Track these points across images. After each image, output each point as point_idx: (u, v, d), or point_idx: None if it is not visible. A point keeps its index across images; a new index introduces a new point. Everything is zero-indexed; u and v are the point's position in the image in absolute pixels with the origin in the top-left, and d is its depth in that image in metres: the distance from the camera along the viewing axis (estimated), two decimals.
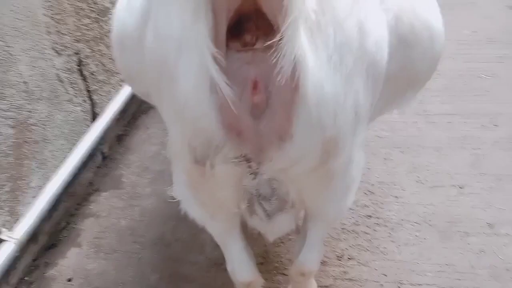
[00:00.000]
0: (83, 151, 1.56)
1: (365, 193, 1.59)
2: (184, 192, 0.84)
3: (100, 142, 1.77)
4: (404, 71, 0.87)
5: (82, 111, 1.62)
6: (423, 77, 0.96)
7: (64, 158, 1.50)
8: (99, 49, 1.69)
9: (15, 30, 1.25)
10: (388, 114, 1.37)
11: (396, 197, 1.57)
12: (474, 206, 1.51)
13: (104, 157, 1.80)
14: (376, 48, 0.69)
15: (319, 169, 0.71)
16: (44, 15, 1.37)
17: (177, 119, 0.67)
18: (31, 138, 1.35)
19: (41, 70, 1.37)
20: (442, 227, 1.45)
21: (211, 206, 0.83)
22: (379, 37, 0.70)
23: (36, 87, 1.35)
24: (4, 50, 1.21)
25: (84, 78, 1.62)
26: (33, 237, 1.40)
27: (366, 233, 1.46)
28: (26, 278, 1.38)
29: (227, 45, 0.58)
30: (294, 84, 0.58)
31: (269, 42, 0.56)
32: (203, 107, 0.60)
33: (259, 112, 0.60)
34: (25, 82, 1.30)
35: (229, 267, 1.01)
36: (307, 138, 0.64)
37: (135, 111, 2.03)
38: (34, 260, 1.42)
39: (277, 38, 0.55)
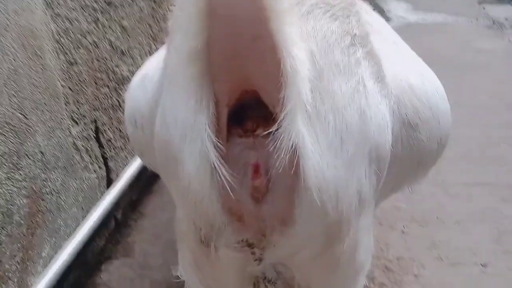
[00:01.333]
0: (96, 219, 1.55)
1: (383, 271, 1.53)
2: (189, 274, 0.82)
3: (113, 208, 1.76)
4: (412, 153, 0.87)
5: (97, 178, 1.62)
6: (432, 156, 0.96)
7: (77, 226, 1.49)
8: (116, 116, 1.72)
9: (34, 103, 1.28)
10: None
11: (415, 275, 1.50)
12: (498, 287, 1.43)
13: (117, 223, 1.79)
14: (379, 133, 0.70)
15: (324, 255, 0.70)
16: (63, 86, 1.41)
17: (182, 199, 0.68)
18: (44, 207, 1.35)
19: (57, 139, 1.39)
20: None
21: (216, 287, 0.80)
22: (381, 121, 0.71)
23: (52, 156, 1.36)
24: (22, 122, 1.23)
25: (100, 145, 1.64)
26: None
27: None
28: None
29: (229, 131, 0.60)
30: (293, 171, 0.58)
31: (268, 131, 0.57)
32: (205, 191, 0.61)
33: (260, 196, 0.61)
34: (41, 152, 1.32)
35: None
36: (310, 223, 0.63)
37: (150, 176, 2.03)
38: None
39: (275, 127, 0.56)
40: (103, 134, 1.65)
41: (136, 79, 1.04)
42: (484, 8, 3.91)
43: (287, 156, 0.57)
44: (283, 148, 0.56)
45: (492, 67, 2.85)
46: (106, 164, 1.69)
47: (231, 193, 0.59)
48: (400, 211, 1.77)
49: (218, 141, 0.58)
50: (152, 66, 0.99)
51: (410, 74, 0.90)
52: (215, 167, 0.59)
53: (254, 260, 0.71)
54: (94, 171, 1.61)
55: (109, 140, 1.69)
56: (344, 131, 0.63)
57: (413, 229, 1.68)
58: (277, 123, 0.56)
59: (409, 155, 0.89)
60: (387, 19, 3.92)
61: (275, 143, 0.56)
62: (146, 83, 0.96)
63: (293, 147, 0.57)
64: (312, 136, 0.60)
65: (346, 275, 0.78)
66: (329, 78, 0.63)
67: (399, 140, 0.84)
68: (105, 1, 1.60)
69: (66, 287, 1.48)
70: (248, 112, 0.62)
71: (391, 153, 0.82)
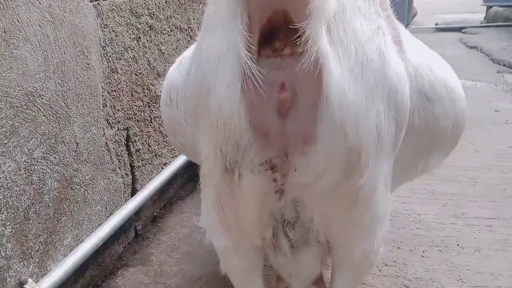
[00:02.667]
0: (117, 223, 1.58)
1: None
2: (210, 217, 0.84)
3: (135, 218, 1.81)
4: (427, 126, 0.91)
5: (123, 183, 1.69)
6: (447, 135, 0.99)
7: (99, 224, 1.53)
8: (147, 131, 1.83)
9: (76, 95, 1.39)
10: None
11: None
12: None
13: (137, 235, 1.82)
14: (396, 80, 0.74)
15: (342, 186, 0.72)
16: (103, 89, 1.53)
17: (211, 129, 0.71)
18: (72, 196, 1.41)
19: (92, 135, 1.48)
20: None
21: (236, 230, 0.82)
22: (399, 71, 0.76)
23: (85, 149, 1.45)
24: (63, 110, 1.34)
25: (129, 154, 1.73)
26: None
27: None
28: None
29: (258, 52, 0.65)
30: (317, 87, 0.63)
31: (295, 50, 0.63)
32: (234, 107, 0.65)
33: (285, 110, 0.64)
34: (76, 143, 1.41)
35: None
36: (330, 143, 0.66)
37: (172, 196, 2.08)
38: None
39: (302, 47, 0.61)
40: (133, 144, 1.74)
41: (174, 65, 1.14)
42: (503, 76, 4.03)
43: (312, 73, 0.62)
44: (309, 64, 0.61)
45: (510, 123, 2.90)
46: (132, 172, 1.76)
47: (258, 109, 0.64)
48: (420, 238, 1.75)
49: (249, 60, 0.63)
50: (189, 51, 1.09)
51: (428, 56, 0.98)
52: (245, 85, 0.64)
53: (275, 192, 0.74)
54: (121, 176, 1.68)
55: (138, 151, 1.78)
56: (365, 62, 0.68)
57: (433, 253, 1.66)
58: (303, 42, 0.61)
59: (425, 128, 0.94)
60: None
61: (301, 61, 0.62)
62: (182, 63, 1.05)
63: (318, 64, 0.62)
64: (335, 57, 0.65)
65: (363, 220, 0.79)
66: (352, 15, 0.69)
67: (416, 111, 0.89)
68: (147, 24, 1.77)
69: (82, 283, 1.49)
70: (276, 34, 0.66)
71: (409, 124, 0.87)
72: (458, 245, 1.70)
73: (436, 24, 6.73)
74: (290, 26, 0.63)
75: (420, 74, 0.90)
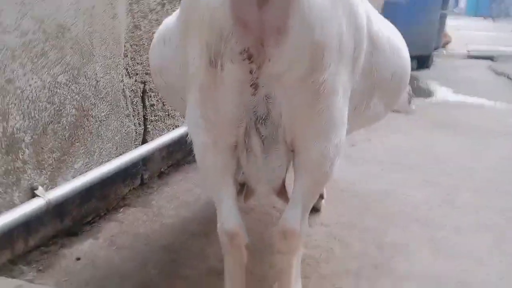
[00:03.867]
0: (125, 163, 1.74)
1: (376, 248, 1.58)
2: (194, 115, 0.99)
3: (143, 168, 1.97)
4: (371, 71, 1.07)
5: (135, 131, 1.86)
6: (386, 86, 1.17)
7: (109, 160, 1.70)
8: None
9: (101, 38, 1.58)
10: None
11: (407, 256, 1.54)
12: (490, 274, 1.44)
13: (143, 183, 1.98)
14: (356, 4, 0.91)
15: (308, 80, 0.85)
16: (125, 40, 1.72)
17: (199, 26, 0.86)
18: (87, 126, 1.58)
19: (111, 78, 1.66)
20: (451, 287, 1.39)
21: (215, 125, 0.95)
22: (359, 5, 0.92)
23: (103, 88, 1.63)
24: (88, 48, 1.53)
25: (144, 106, 1.90)
26: (61, 213, 1.54)
27: (369, 278, 1.43)
28: (41, 247, 1.48)
29: None
30: None
31: None
32: (219, 1, 0.79)
33: (263, 3, 0.76)
34: (96, 80, 1.59)
35: (218, 224, 1.08)
36: (300, 35, 0.80)
37: (181, 159, 2.24)
38: (54, 236, 1.53)
39: None
40: (148, 98, 1.92)
41: (169, 16, 1.30)
42: None
43: None
44: None
45: None
46: (145, 124, 1.93)
47: (240, 1, 0.77)
48: (405, 214, 1.83)
49: None
50: None
51: (381, 20, 1.15)
52: None
53: (251, 86, 0.87)
54: (134, 125, 1.85)
55: (152, 106, 1.95)
56: None
57: (414, 227, 1.74)
58: None
59: (369, 72, 1.10)
60: (429, 95, 4.16)
61: None
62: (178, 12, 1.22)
63: None
64: None
65: (321, 119, 0.91)
66: None
67: (365, 54, 1.04)
68: None
69: (86, 209, 1.65)
70: None
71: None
72: (440, 223, 1.77)
73: (468, 51, 6.76)
74: None
75: (371, 19, 1.05)
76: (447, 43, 7.43)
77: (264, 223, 1.72)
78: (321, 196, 1.83)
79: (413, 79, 4.78)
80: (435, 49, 5.92)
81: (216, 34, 0.82)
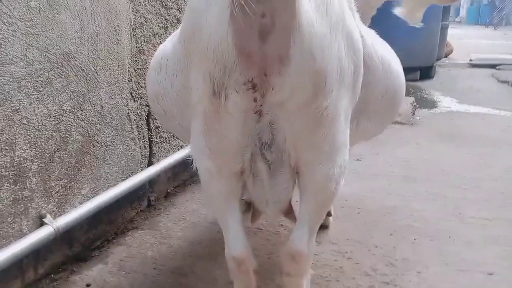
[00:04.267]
0: (132, 186, 1.75)
1: (386, 265, 1.57)
2: (198, 143, 0.99)
3: (149, 190, 1.98)
4: (365, 90, 1.07)
5: (141, 154, 1.87)
6: (377, 104, 1.17)
7: (115, 184, 1.71)
8: None
9: (105, 64, 1.60)
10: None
11: (418, 272, 1.53)
12: None
13: (150, 205, 1.98)
14: (352, 27, 0.93)
15: (310, 107, 0.86)
16: (129, 65, 1.74)
17: (201, 58, 0.87)
18: (93, 152, 1.59)
19: (116, 103, 1.68)
20: None
21: (219, 153, 0.96)
22: (353, 25, 0.93)
23: (109, 113, 1.64)
24: (93, 74, 1.55)
25: (149, 129, 1.92)
26: (69, 240, 1.55)
27: None
28: (51, 275, 1.48)
29: None
30: (292, 16, 0.78)
31: None
32: (223, 33, 0.80)
33: (265, 34, 0.78)
34: (101, 106, 1.60)
35: (226, 249, 1.08)
36: (302, 64, 0.81)
37: (187, 179, 2.25)
38: (63, 263, 1.53)
39: None
40: (153, 120, 1.93)
41: (165, 42, 1.31)
42: None
43: (288, 4, 0.77)
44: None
45: None
46: (150, 147, 1.94)
47: (243, 34, 0.78)
48: (413, 228, 1.82)
49: None
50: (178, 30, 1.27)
51: (374, 36, 1.17)
52: (233, 13, 0.77)
53: (255, 113, 0.89)
54: (140, 147, 1.86)
55: (157, 128, 1.97)
56: (329, 4, 0.85)
57: (423, 241, 1.72)
58: None
59: (363, 92, 1.09)
60: (433, 105, 4.16)
61: None
62: (172, 36, 1.23)
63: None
64: None
65: (325, 142, 0.93)
66: None
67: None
68: (175, 17, 1.99)
69: (94, 234, 1.66)
70: None
71: None
72: (449, 237, 1.76)
73: (470, 60, 6.77)
74: None
75: (365, 41, 1.06)
76: (449, 53, 7.46)
77: (273, 242, 1.71)
78: (329, 214, 1.82)
79: (416, 90, 4.79)
80: (438, 59, 5.95)
81: (220, 66, 0.83)
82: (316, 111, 0.87)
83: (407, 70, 5.25)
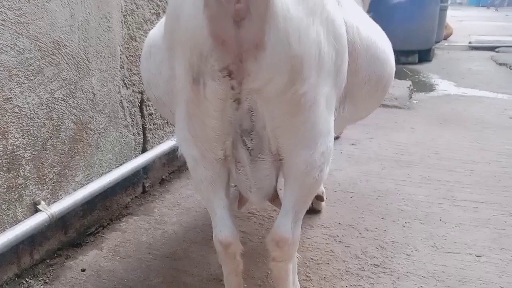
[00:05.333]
0: (126, 173, 1.77)
1: (376, 248, 1.60)
2: (182, 131, 1.01)
3: (144, 176, 2.00)
4: (350, 74, 1.07)
5: (134, 140, 1.89)
6: (360, 92, 1.17)
7: (109, 171, 1.73)
8: None
9: (96, 52, 1.61)
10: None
11: (407, 254, 1.56)
12: (489, 272, 1.45)
13: (144, 191, 2.01)
14: (333, 12, 0.91)
15: (288, 93, 0.86)
16: (121, 52, 1.74)
17: (181, 47, 0.88)
18: (86, 139, 1.61)
19: (108, 90, 1.69)
20: (451, 284, 1.40)
21: (202, 139, 0.98)
22: (335, 8, 0.93)
23: (101, 101, 1.65)
24: (84, 62, 1.55)
25: (142, 116, 1.93)
26: (64, 225, 1.57)
27: (370, 277, 1.44)
28: (47, 260, 1.51)
29: None
30: (267, 1, 0.77)
31: None
32: (197, 21, 0.81)
33: (240, 20, 0.78)
34: (93, 94, 1.61)
35: (213, 233, 1.10)
36: (277, 49, 0.80)
37: (181, 165, 2.27)
38: (59, 249, 1.56)
39: None
40: (146, 107, 1.94)
41: (156, 26, 1.32)
42: None
43: None
44: None
45: None
46: (144, 133, 1.95)
47: (217, 20, 0.78)
48: (405, 212, 1.85)
49: None
50: None
51: (361, 20, 1.15)
52: (208, 1, 0.78)
53: (233, 101, 0.89)
54: (133, 134, 1.87)
55: (151, 115, 1.98)
56: None
57: (414, 225, 1.75)
58: None
59: (346, 79, 1.09)
60: (430, 89, 4.15)
61: None
62: (162, 24, 1.23)
63: None
64: None
65: (304, 128, 0.93)
66: None
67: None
68: (167, 3, 1.98)
69: (89, 219, 1.68)
70: None
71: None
72: (440, 220, 1.78)
73: (469, 43, 6.73)
74: None
75: (351, 28, 1.06)
76: (448, 35, 7.40)
77: (266, 227, 1.74)
78: (321, 199, 1.84)
79: (414, 73, 4.78)
80: (437, 42, 5.91)
81: (197, 53, 0.83)
82: (294, 97, 0.87)
83: (405, 53, 5.23)
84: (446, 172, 2.24)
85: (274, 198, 1.15)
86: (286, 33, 0.80)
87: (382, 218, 1.80)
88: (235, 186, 1.19)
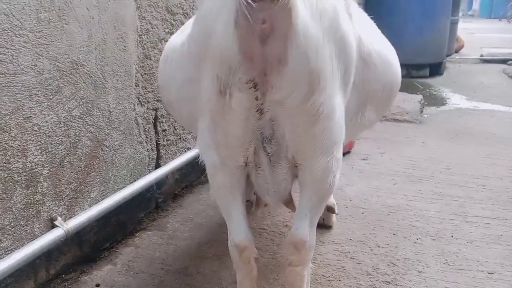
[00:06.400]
0: (140, 188, 1.80)
1: (388, 264, 1.60)
2: (205, 139, 1.08)
3: (157, 191, 2.03)
4: (363, 86, 1.19)
5: (148, 156, 1.92)
6: (377, 96, 1.29)
7: (124, 187, 1.76)
8: None
9: (113, 71, 1.65)
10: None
11: (419, 271, 1.56)
12: None
13: (157, 206, 2.04)
14: (346, 31, 0.98)
15: (307, 104, 0.93)
16: (136, 70, 1.79)
17: (211, 61, 0.95)
18: (102, 156, 1.65)
19: (124, 108, 1.73)
20: None
21: (224, 147, 1.04)
22: (348, 27, 0.99)
23: (116, 118, 1.70)
24: (101, 81, 1.60)
25: (156, 132, 1.97)
26: (79, 241, 1.61)
27: None
28: (62, 275, 1.54)
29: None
30: (289, 21, 0.85)
31: None
32: (229, 39, 0.88)
33: (265, 38, 0.85)
34: (109, 111, 1.66)
35: (229, 238, 1.15)
36: (298, 64, 0.88)
37: (194, 180, 2.30)
38: (74, 264, 1.59)
39: None
40: (160, 124, 1.98)
41: (176, 33, 1.39)
42: None
43: (285, 12, 0.84)
44: (283, 6, 0.83)
45: None
46: (158, 149, 1.99)
47: (246, 39, 0.86)
48: (416, 228, 1.85)
49: (242, 4, 0.83)
50: (188, 23, 1.35)
51: (373, 33, 1.26)
52: (238, 21, 0.85)
53: (256, 111, 0.96)
54: (147, 150, 1.91)
55: (164, 131, 2.02)
56: (323, 12, 0.91)
57: (425, 241, 1.75)
58: None
59: (362, 86, 1.20)
60: (442, 103, 4.15)
61: (278, 4, 0.82)
62: (184, 32, 1.31)
63: (289, 6, 0.83)
64: (302, 5, 0.87)
65: (322, 136, 0.99)
66: None
67: (357, 69, 1.11)
68: (181, 22, 2.04)
69: (104, 235, 1.72)
70: None
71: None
72: (452, 236, 1.78)
73: (481, 56, 6.71)
74: None
75: (362, 42, 1.13)
76: (460, 48, 7.39)
77: (277, 243, 1.75)
78: (333, 211, 1.86)
79: (425, 87, 4.78)
80: (448, 55, 5.91)
81: (226, 67, 0.91)
82: (312, 107, 0.94)
83: (416, 67, 5.26)
84: (458, 187, 2.23)
85: (289, 201, 1.21)
86: (306, 50, 0.88)
87: (393, 234, 1.81)
88: (248, 200, 1.24)
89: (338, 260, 1.64)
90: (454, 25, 6.00)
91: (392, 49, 1.38)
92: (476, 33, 11.10)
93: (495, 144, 2.89)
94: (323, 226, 1.84)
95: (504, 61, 6.15)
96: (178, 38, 1.29)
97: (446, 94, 4.50)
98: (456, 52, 7.08)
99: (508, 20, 18.02)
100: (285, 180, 1.10)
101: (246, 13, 0.83)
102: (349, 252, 1.68)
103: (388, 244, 1.73)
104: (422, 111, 3.70)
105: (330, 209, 1.84)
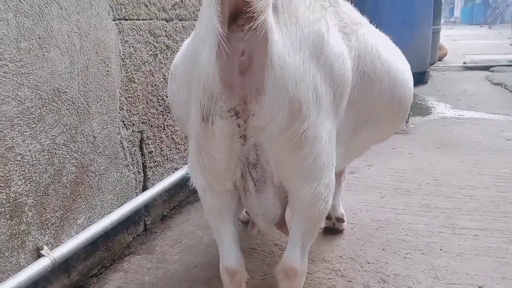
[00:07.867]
0: (127, 212, 1.79)
1: (378, 281, 1.60)
2: (192, 162, 1.09)
3: (145, 214, 2.01)
4: (365, 100, 1.14)
5: (135, 179, 1.91)
6: (381, 110, 1.23)
7: (111, 211, 1.74)
8: (160, 136, 2.06)
9: (96, 96, 1.65)
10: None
11: (409, 287, 1.56)
12: None
13: (146, 229, 2.02)
14: (333, 56, 0.97)
15: (289, 131, 0.93)
16: (120, 94, 1.79)
17: (196, 88, 0.97)
18: (87, 182, 1.63)
19: (108, 132, 1.72)
20: None
21: (210, 171, 1.05)
22: (337, 51, 0.99)
23: (101, 143, 1.68)
24: (84, 107, 1.59)
25: (142, 154, 1.96)
26: (67, 269, 1.58)
27: None
28: None
29: (228, 28, 0.88)
30: (265, 53, 0.87)
31: (251, 24, 0.85)
32: (211, 69, 0.90)
33: (244, 70, 0.88)
34: (94, 137, 1.65)
35: (220, 262, 1.15)
36: (276, 94, 0.90)
37: (182, 200, 2.28)
38: None
39: (256, 23, 0.84)
40: (146, 146, 1.97)
41: (181, 49, 1.41)
42: None
43: (262, 43, 0.86)
44: (260, 37, 0.85)
45: None
46: (144, 172, 1.98)
47: (226, 69, 0.89)
48: (405, 242, 1.85)
49: (221, 36, 0.86)
50: (190, 38, 1.36)
51: (383, 49, 1.20)
52: (218, 53, 0.88)
53: (240, 137, 0.98)
54: (134, 173, 1.90)
55: (150, 153, 2.01)
56: (303, 40, 0.93)
57: (415, 255, 1.75)
58: (256, 20, 0.84)
59: (363, 102, 1.19)
60: (427, 112, 4.19)
61: (255, 34, 0.85)
62: (183, 47, 1.33)
63: (267, 37, 0.86)
64: (279, 33, 0.89)
65: (306, 162, 0.98)
66: (296, 6, 0.94)
67: (356, 87, 1.11)
68: (164, 44, 2.04)
69: (92, 261, 1.69)
70: (240, 16, 0.88)
71: (350, 96, 1.09)
72: (441, 249, 1.79)
73: (464, 63, 6.82)
74: (246, 8, 0.84)
75: (365, 60, 1.12)
76: (443, 55, 7.51)
77: (267, 263, 1.74)
78: (342, 220, 1.94)
79: None
80: (431, 64, 5.99)
81: (208, 95, 0.94)
82: (294, 134, 0.95)
83: None
84: (445, 199, 2.25)
85: (281, 225, 1.21)
86: (283, 80, 0.90)
87: (383, 250, 1.81)
88: (239, 219, 1.24)
89: (329, 278, 1.63)
90: (437, 34, 6.10)
91: (402, 62, 1.31)
92: (458, 40, 11.29)
93: (480, 152, 2.92)
94: (334, 230, 1.95)
95: (486, 68, 6.25)
96: (181, 54, 1.32)
97: (431, 103, 4.56)
98: (440, 60, 7.19)
99: (489, 26, 18.37)
100: (273, 205, 1.11)
101: (224, 44, 0.86)
102: (339, 270, 1.68)
103: (378, 260, 1.73)
104: (407, 121, 3.73)
105: (339, 220, 1.93)
